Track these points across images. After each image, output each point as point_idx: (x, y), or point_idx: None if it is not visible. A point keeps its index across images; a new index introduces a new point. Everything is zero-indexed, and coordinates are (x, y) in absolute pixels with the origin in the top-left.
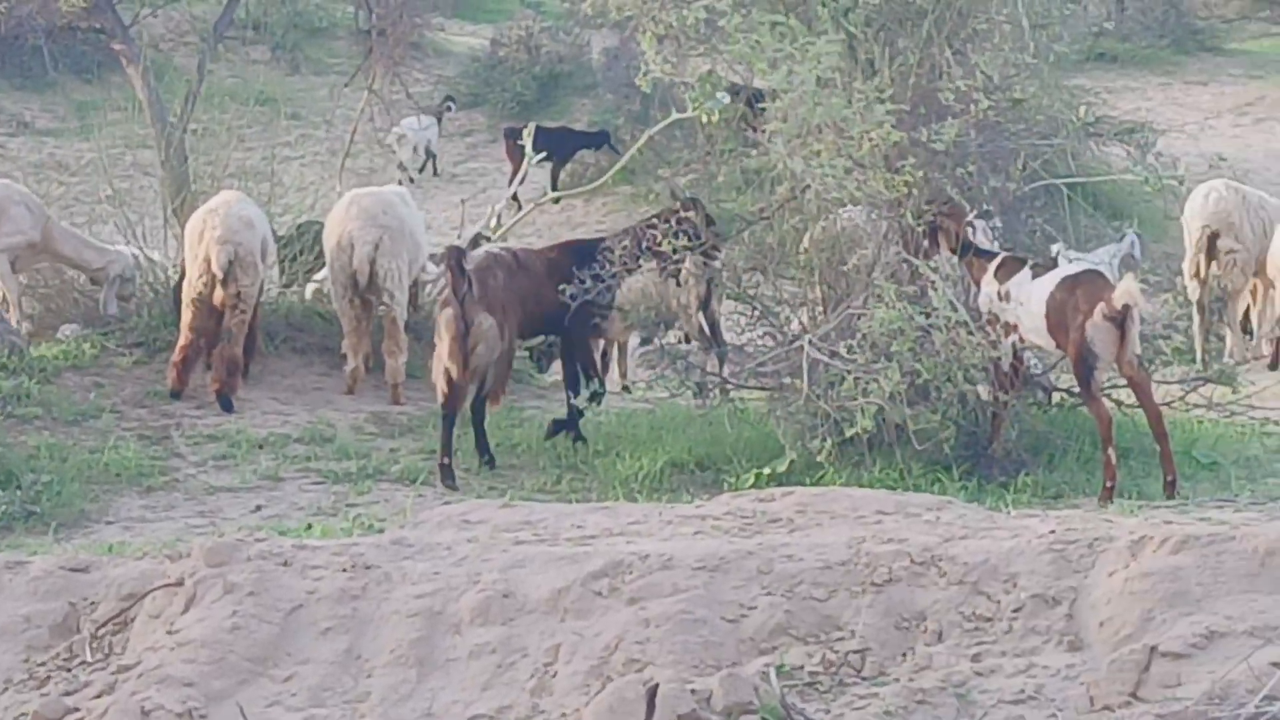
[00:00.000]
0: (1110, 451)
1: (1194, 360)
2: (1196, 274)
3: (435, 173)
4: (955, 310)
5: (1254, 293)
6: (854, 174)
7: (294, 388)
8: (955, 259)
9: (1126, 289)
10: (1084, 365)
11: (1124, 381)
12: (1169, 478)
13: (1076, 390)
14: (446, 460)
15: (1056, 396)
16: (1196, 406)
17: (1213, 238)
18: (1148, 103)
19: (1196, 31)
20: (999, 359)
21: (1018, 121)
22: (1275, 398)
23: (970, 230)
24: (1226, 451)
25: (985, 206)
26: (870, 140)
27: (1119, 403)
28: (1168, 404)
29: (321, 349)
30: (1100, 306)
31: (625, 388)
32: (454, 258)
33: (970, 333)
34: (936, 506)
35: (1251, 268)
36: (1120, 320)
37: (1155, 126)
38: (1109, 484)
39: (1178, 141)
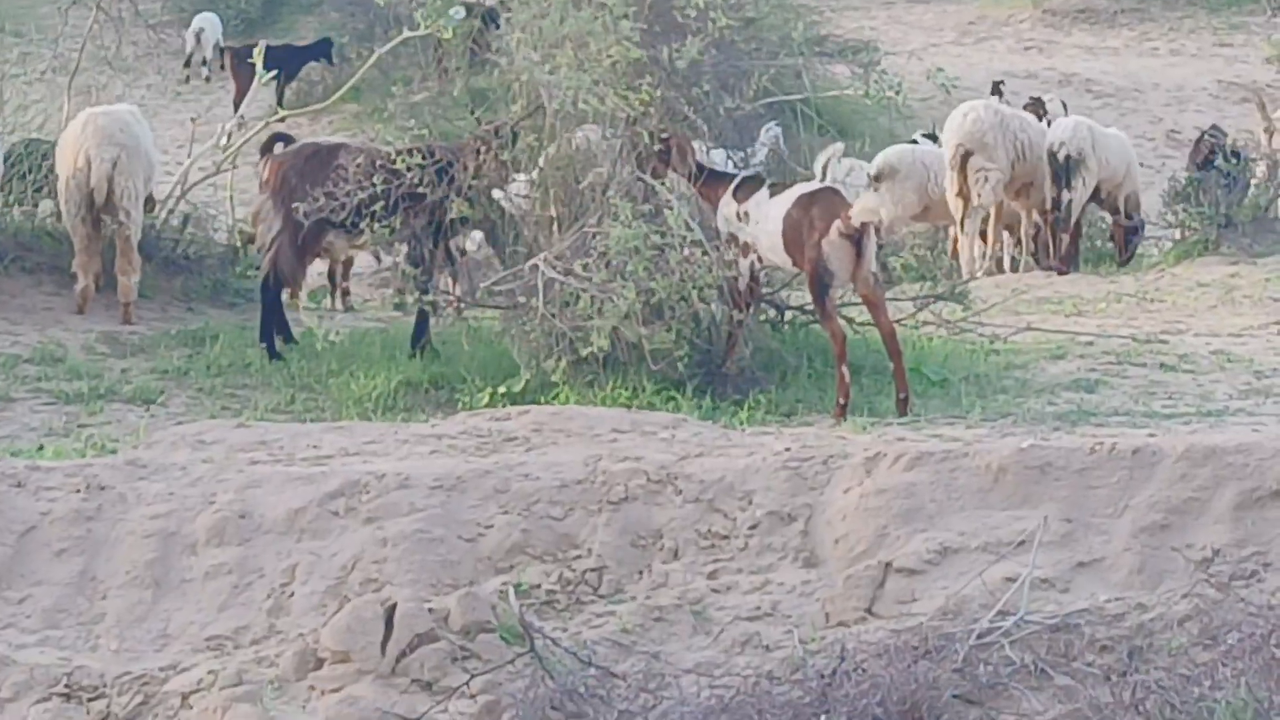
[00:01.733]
0: (844, 369)
1: (931, 278)
2: (958, 192)
3: (221, 69)
4: (690, 230)
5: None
6: (595, 90)
7: (23, 307)
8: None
9: (864, 205)
10: (819, 283)
11: (858, 299)
12: (901, 395)
13: (810, 309)
14: (263, 344)
15: (789, 315)
16: (927, 324)
17: (965, 156)
18: (871, 22)
19: None
20: (735, 279)
21: (750, 41)
22: (1003, 315)
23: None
24: (956, 369)
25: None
26: (610, 57)
27: (850, 320)
28: (899, 321)
29: (51, 268)
30: (836, 224)
31: (350, 307)
32: (267, 144)
33: (705, 252)
34: (671, 425)
35: (1002, 188)
36: (857, 238)
37: (878, 46)
38: (843, 401)
39: (901, 61)
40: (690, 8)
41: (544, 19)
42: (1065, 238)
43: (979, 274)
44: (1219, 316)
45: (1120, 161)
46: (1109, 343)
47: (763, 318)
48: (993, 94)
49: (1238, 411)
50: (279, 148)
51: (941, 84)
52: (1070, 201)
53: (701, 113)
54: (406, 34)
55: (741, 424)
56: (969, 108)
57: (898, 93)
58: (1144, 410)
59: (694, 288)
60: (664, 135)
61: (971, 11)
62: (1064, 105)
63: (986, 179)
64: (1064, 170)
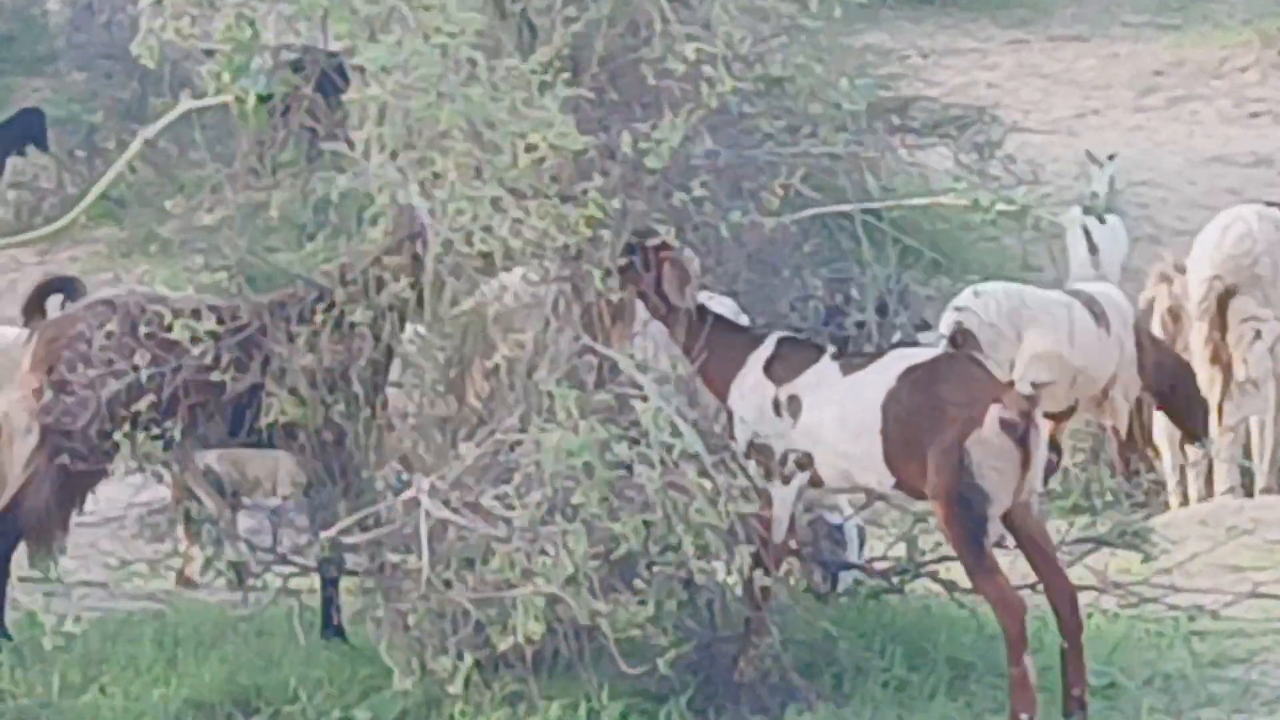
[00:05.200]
0: (1027, 662)
1: (1089, 508)
2: (1215, 355)
3: None
4: (678, 433)
5: None
6: (505, 209)
7: None
8: (675, 340)
9: (1037, 359)
10: (968, 516)
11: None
12: (1076, 691)
13: (884, 568)
14: None
15: (849, 577)
16: (1083, 588)
17: (1225, 296)
18: (989, 74)
19: None
20: (765, 519)
21: (776, 114)
22: (1212, 571)
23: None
24: (1133, 664)
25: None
26: (533, 151)
27: (949, 585)
28: (1031, 585)
29: None
30: (995, 410)
31: None
32: (35, 299)
33: (704, 472)
34: None
35: None
36: (1024, 431)
37: (1000, 114)
38: (1023, 715)
39: (1041, 139)
40: (671, 61)
41: (411, 99)
42: None
43: (1226, 494)
44: None
45: None
46: None
47: (800, 583)
48: None
49: None
50: (54, 307)
51: (1104, 183)
52: None
53: (693, 233)
54: (187, 104)
55: None
56: (1233, 217)
57: (1032, 204)
58: None
59: (687, 531)
60: (641, 241)
61: (1159, 54)
62: None
63: (1259, 334)
64: None
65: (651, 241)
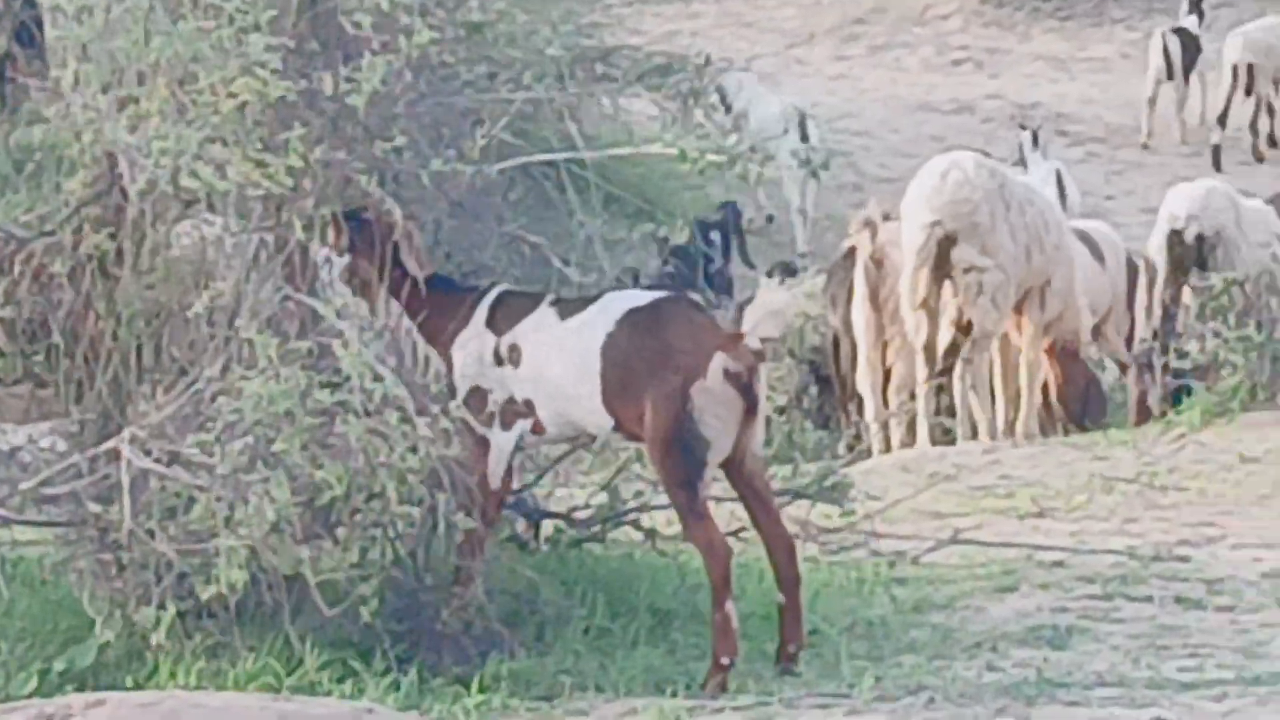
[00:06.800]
0: (729, 608)
1: (789, 458)
2: (923, 302)
3: None
4: (379, 379)
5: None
6: (207, 154)
7: None
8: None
9: (767, 312)
10: (685, 461)
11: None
12: (793, 646)
13: (584, 519)
14: None
15: (549, 526)
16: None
17: (945, 242)
18: (693, 23)
19: None
20: (480, 470)
21: (476, 60)
22: (914, 519)
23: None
24: (834, 612)
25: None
26: (233, 95)
27: (651, 534)
28: (735, 533)
29: None
30: (720, 357)
31: None
32: None
33: (406, 419)
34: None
35: (1010, 300)
36: (747, 380)
37: (703, 62)
38: (726, 661)
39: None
40: (360, 15)
41: (115, 38)
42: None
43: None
44: (1274, 514)
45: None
46: (1092, 562)
47: (503, 533)
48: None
49: None
50: None
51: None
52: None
53: (394, 182)
54: None
55: (469, 714)
56: (950, 163)
57: (754, 156)
58: (1148, 676)
59: (391, 477)
60: (364, 212)
61: (862, 1)
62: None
63: (980, 285)
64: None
65: (375, 213)
